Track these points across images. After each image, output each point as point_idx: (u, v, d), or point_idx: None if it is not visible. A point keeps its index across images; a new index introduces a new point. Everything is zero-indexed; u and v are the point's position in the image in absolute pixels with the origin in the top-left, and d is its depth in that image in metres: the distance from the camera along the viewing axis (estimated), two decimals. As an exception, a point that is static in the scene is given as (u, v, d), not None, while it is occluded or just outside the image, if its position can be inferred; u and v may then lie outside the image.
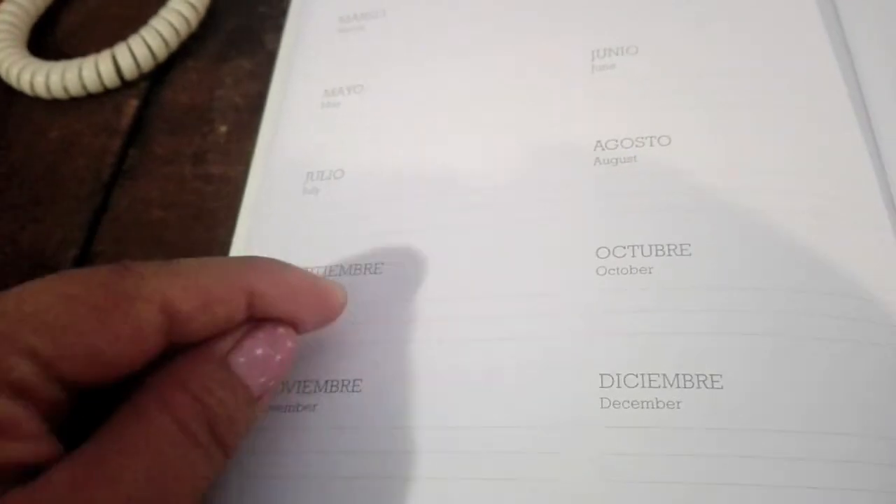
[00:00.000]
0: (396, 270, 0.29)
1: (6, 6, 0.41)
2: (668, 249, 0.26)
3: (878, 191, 0.27)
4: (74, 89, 0.38)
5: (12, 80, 0.39)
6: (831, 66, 0.29)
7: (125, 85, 0.39)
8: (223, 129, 0.37)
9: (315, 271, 0.29)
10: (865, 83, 0.29)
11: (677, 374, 0.24)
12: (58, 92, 0.39)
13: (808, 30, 0.30)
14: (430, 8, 0.36)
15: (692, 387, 0.24)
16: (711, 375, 0.24)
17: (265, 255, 0.30)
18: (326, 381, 0.27)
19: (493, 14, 0.35)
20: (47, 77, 0.38)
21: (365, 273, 0.29)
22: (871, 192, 0.27)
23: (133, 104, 0.39)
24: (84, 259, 0.34)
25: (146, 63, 0.39)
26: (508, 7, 0.35)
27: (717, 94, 0.29)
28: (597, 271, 0.26)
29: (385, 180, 0.31)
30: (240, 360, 0.23)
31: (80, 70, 0.38)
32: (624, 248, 0.27)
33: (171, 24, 0.39)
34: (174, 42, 0.39)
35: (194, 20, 0.40)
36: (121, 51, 0.38)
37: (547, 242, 0.28)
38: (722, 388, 0.23)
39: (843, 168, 0.27)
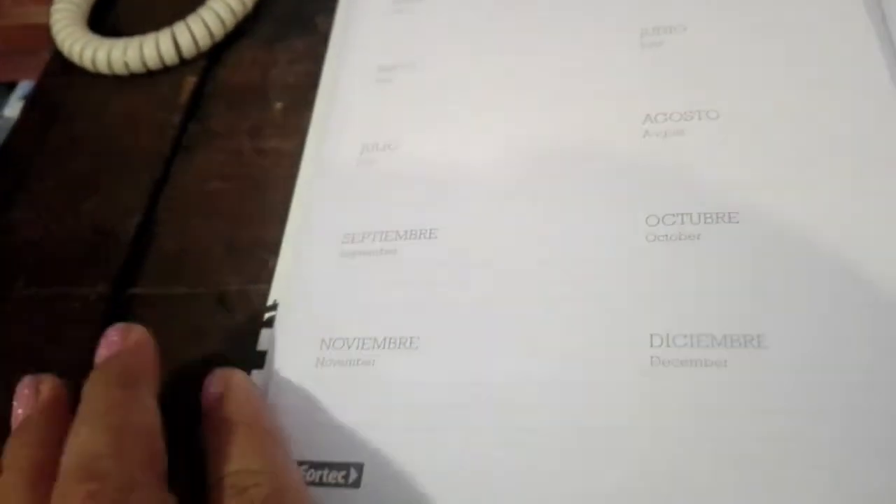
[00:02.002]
0: (450, 236, 0.30)
1: (68, -14, 0.43)
2: (717, 217, 0.27)
3: None
4: (135, 66, 0.40)
5: (74, 56, 0.41)
6: (874, 46, 0.30)
7: (183, 63, 0.41)
8: (278, 105, 0.39)
9: (373, 236, 0.31)
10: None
11: (725, 335, 0.25)
12: (119, 68, 0.40)
13: (855, 6, 0.31)
14: None
15: (738, 346, 0.25)
16: (758, 336, 0.25)
17: (324, 223, 0.31)
18: (385, 338, 0.28)
19: None
20: (109, 54, 0.40)
21: (420, 238, 0.30)
22: None
23: (191, 81, 0.40)
24: (147, 226, 0.36)
25: (204, 42, 0.40)
26: None
27: (765, 72, 0.31)
28: (646, 238, 0.28)
29: (438, 152, 0.33)
30: None
31: (141, 47, 0.40)
32: (673, 216, 0.28)
33: (229, 5, 0.40)
34: (231, 22, 0.41)
35: (250, 2, 0.41)
36: (180, 29, 0.40)
37: (598, 210, 0.29)
38: (767, 347, 0.25)
39: (882, 141, 0.28)
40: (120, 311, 0.33)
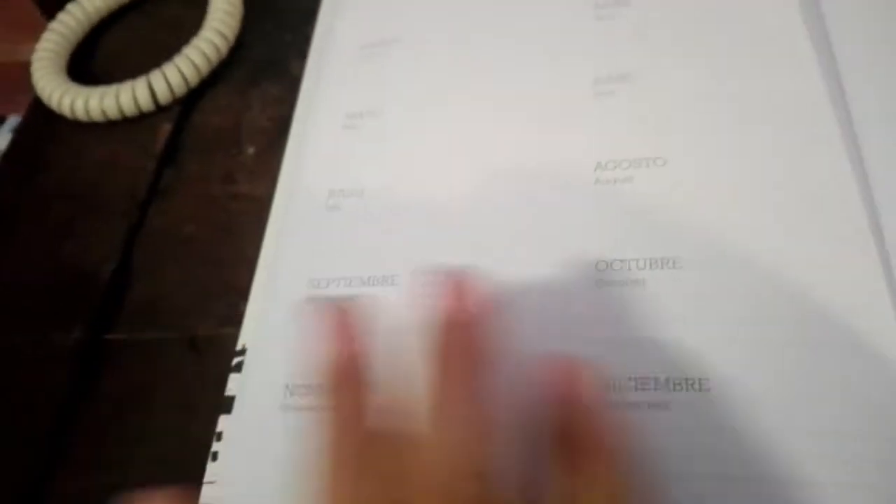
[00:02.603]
0: (412, 283, 0.31)
1: (47, 35, 0.44)
2: (661, 263, 0.28)
3: (861, 210, 0.28)
4: (112, 113, 0.41)
5: (53, 104, 0.42)
6: (823, 95, 0.31)
7: (159, 109, 0.42)
8: (251, 150, 0.40)
9: (337, 281, 0.32)
10: (857, 112, 0.30)
11: (667, 378, 0.26)
12: (96, 115, 0.41)
13: (803, 60, 0.32)
14: (443, 37, 0.39)
15: (681, 390, 0.26)
16: (699, 379, 0.26)
17: (290, 268, 0.32)
18: None
19: (502, 43, 0.37)
20: (86, 101, 0.41)
21: (382, 284, 0.31)
22: (855, 211, 0.28)
23: (166, 127, 0.41)
24: (122, 272, 0.36)
25: (179, 89, 0.41)
26: (516, 36, 0.37)
27: (712, 120, 0.31)
28: (596, 283, 0.28)
29: (402, 198, 0.34)
30: None
31: (117, 95, 0.41)
32: (621, 261, 0.29)
33: (203, 53, 0.41)
34: (205, 69, 0.42)
35: (224, 48, 0.42)
36: (156, 77, 0.41)
37: (551, 257, 0.30)
38: (709, 390, 0.25)
39: (828, 188, 0.29)
40: (95, 356, 0.34)
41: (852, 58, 0.31)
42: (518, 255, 0.30)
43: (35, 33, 0.45)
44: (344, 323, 0.25)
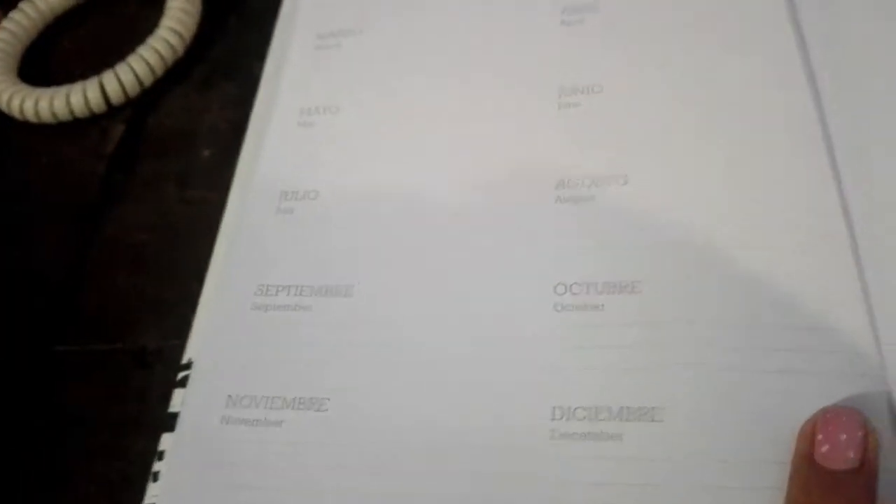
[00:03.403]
0: (365, 293, 0.30)
1: (-2, 33, 0.42)
2: (620, 287, 0.27)
3: (839, 237, 0.27)
4: (62, 115, 0.40)
5: (2, 105, 0.40)
6: (798, 111, 0.30)
7: (112, 110, 0.40)
8: (206, 153, 0.38)
9: (287, 290, 0.31)
10: (835, 130, 0.29)
11: (621, 408, 0.25)
12: (46, 117, 0.40)
13: (779, 73, 0.31)
14: (405, 30, 0.38)
15: (634, 420, 0.25)
16: (653, 409, 0.25)
17: (238, 275, 0.31)
18: (294, 398, 0.28)
19: (466, 43, 0.36)
20: (36, 102, 0.39)
21: (335, 295, 0.30)
22: (832, 240, 0.27)
23: (119, 129, 0.40)
24: (72, 280, 0.35)
25: (133, 89, 0.40)
26: (481, 39, 0.36)
27: (677, 137, 0.31)
28: (554, 307, 0.28)
29: (357, 201, 0.32)
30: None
31: (67, 96, 0.39)
32: (580, 285, 0.28)
33: (158, 52, 0.40)
34: (160, 69, 0.40)
35: (181, 47, 0.41)
36: (108, 78, 0.39)
37: (508, 276, 0.29)
38: (662, 420, 0.25)
39: (801, 213, 0.28)
40: (40, 369, 0.33)
41: (832, 76, 0.31)
42: (475, 271, 0.29)
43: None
44: None
